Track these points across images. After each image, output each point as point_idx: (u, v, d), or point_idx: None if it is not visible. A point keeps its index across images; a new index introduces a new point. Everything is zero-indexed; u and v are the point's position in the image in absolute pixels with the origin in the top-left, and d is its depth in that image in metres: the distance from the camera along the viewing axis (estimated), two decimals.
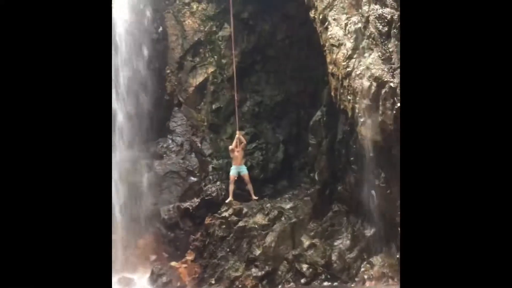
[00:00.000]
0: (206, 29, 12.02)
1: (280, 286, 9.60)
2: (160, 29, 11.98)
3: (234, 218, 10.25)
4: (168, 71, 12.09)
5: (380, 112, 7.99)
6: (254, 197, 10.76)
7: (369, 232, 9.66)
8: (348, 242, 9.76)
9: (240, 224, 10.15)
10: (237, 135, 10.84)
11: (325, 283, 9.49)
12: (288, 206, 10.49)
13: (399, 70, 7.27)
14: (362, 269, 9.39)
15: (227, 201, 10.61)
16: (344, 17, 8.67)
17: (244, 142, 10.94)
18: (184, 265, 10.22)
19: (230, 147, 10.87)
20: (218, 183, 11.48)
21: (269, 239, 9.91)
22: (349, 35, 8.54)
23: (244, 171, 10.83)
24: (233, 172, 10.78)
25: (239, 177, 10.80)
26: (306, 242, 9.87)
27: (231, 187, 10.72)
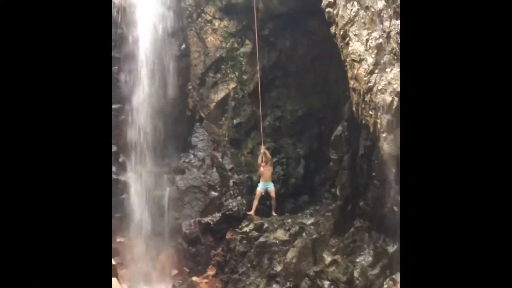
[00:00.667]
0: (227, 46, 12.19)
1: None
2: (183, 46, 12.21)
3: (255, 233, 10.25)
4: (190, 87, 12.28)
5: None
6: (274, 213, 10.75)
7: (391, 248, 9.50)
8: (370, 258, 9.61)
9: (261, 239, 10.13)
10: (262, 151, 10.89)
11: None
12: (309, 222, 10.43)
13: None
14: (385, 286, 9.21)
15: (248, 213, 10.61)
16: (365, 32, 8.68)
17: (270, 157, 10.98)
18: (205, 280, 10.24)
19: (258, 164, 11.01)
20: (239, 198, 11.52)
21: (290, 255, 9.85)
22: (370, 51, 8.53)
23: (271, 187, 10.92)
24: (260, 187, 10.85)
25: (265, 193, 10.83)
26: (328, 259, 9.77)
27: (255, 202, 10.76)
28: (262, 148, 10.96)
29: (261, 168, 10.86)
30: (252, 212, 10.67)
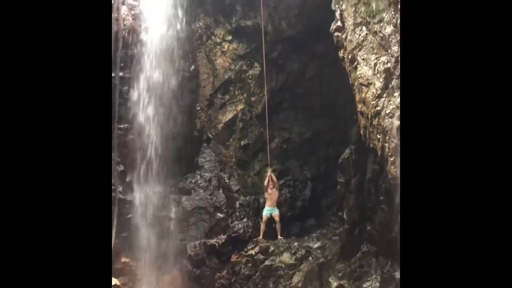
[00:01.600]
0: (236, 68, 12.31)
1: None
2: (192, 67, 12.34)
3: (261, 256, 10.14)
4: (199, 108, 12.35)
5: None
6: (280, 237, 10.69)
7: (399, 274, 9.36)
8: (377, 284, 9.45)
9: (267, 262, 10.02)
10: (268, 173, 10.88)
11: None
12: (315, 246, 10.31)
13: None
14: None
15: (255, 239, 10.55)
16: (373, 57, 8.72)
17: (276, 181, 10.96)
18: None
19: (264, 187, 10.97)
20: (245, 219, 11.45)
21: (296, 279, 9.72)
22: (378, 75, 8.56)
23: (276, 211, 10.86)
24: (266, 212, 10.84)
25: (270, 217, 10.81)
26: (334, 283, 9.61)
27: (263, 227, 10.73)
28: (269, 172, 10.93)
29: (269, 191, 10.82)
30: (261, 237, 10.63)
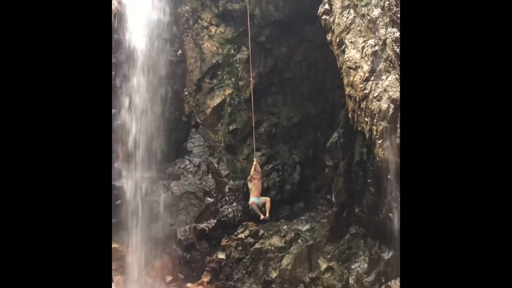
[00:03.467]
0: (224, 52, 12.23)
1: None
2: (179, 52, 12.22)
3: (251, 239, 10.23)
4: (187, 93, 12.28)
5: (398, 134, 7.96)
6: (265, 216, 10.39)
7: (387, 255, 9.50)
8: (365, 265, 9.61)
9: (257, 246, 10.12)
10: (254, 163, 10.69)
11: None
12: (304, 228, 10.43)
13: None
14: None
15: (261, 218, 10.38)
16: (361, 40, 8.74)
17: (260, 171, 10.69)
18: (200, 287, 10.20)
19: (249, 176, 10.63)
20: (234, 204, 11.50)
21: (286, 261, 9.84)
22: (366, 58, 8.59)
23: (262, 199, 10.55)
24: (256, 202, 10.51)
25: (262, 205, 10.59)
26: (323, 265, 9.76)
27: (257, 211, 10.44)
28: (255, 161, 10.72)
29: (253, 182, 10.49)
30: (263, 216, 10.32)
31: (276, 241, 10.17)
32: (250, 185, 10.62)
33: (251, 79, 11.39)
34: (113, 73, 11.43)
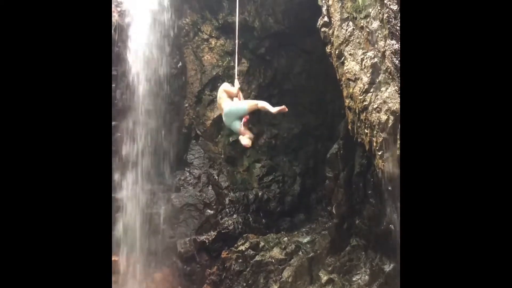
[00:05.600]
0: (224, 64, 12.29)
1: None
2: (180, 64, 12.28)
3: (251, 252, 10.19)
4: (187, 105, 12.32)
5: (398, 145, 7.97)
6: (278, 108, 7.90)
7: (388, 267, 9.47)
8: (366, 277, 9.58)
9: (257, 258, 10.07)
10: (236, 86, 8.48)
11: None
12: (305, 240, 10.39)
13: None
14: None
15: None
16: (360, 52, 8.77)
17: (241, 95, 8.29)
18: None
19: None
20: (234, 216, 11.47)
21: (286, 273, 9.79)
22: (365, 70, 8.61)
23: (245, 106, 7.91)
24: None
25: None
26: (324, 277, 9.72)
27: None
28: (236, 83, 8.42)
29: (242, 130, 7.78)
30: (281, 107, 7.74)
31: (276, 253, 10.13)
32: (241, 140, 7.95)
33: (239, 92, 8.81)
34: (113, 85, 11.49)
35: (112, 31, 11.59)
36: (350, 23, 8.78)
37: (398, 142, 7.97)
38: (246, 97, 11.99)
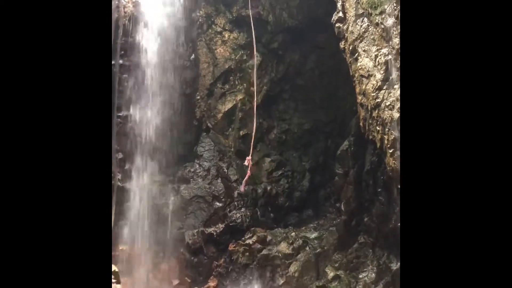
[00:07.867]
0: (236, 58, 12.27)
1: None
2: (193, 56, 12.29)
3: (258, 245, 10.21)
4: (198, 97, 12.33)
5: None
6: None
7: (395, 265, 9.45)
8: (373, 275, 9.56)
9: (264, 252, 10.10)
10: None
11: None
12: (313, 236, 10.39)
13: None
14: None
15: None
16: (374, 48, 8.72)
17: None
18: None
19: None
20: (243, 209, 11.49)
21: (293, 268, 9.81)
22: (379, 67, 8.57)
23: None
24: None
25: None
26: (331, 274, 9.72)
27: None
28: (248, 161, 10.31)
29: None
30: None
31: (283, 248, 10.15)
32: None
33: (254, 87, 11.10)
34: (126, 75, 11.54)
35: (126, 21, 11.63)
36: (365, 19, 8.73)
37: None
38: (258, 91, 12.01)
